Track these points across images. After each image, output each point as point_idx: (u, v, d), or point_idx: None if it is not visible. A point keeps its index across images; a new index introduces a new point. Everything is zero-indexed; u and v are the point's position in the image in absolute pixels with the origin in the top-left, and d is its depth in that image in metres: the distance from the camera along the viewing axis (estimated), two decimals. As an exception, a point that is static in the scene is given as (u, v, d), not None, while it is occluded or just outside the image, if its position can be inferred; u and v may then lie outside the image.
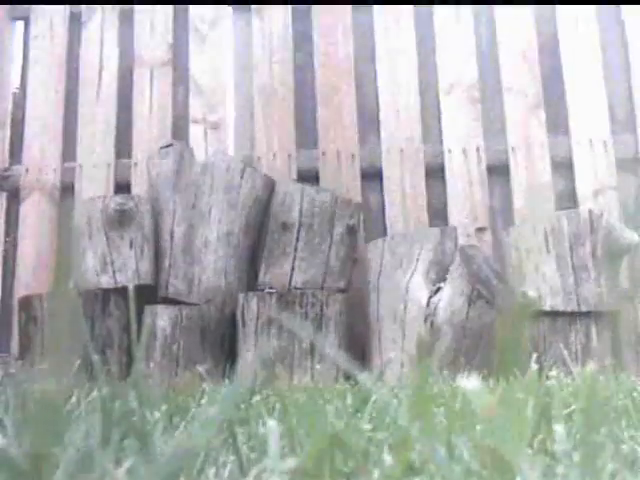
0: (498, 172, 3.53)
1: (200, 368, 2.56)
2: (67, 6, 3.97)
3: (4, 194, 3.79)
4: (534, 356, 2.60)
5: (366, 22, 3.79)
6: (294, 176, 3.58)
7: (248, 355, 2.78)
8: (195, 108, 3.75)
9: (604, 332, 2.79)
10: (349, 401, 1.30)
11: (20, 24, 4.07)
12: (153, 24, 3.89)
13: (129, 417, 0.85)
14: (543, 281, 2.82)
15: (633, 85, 3.58)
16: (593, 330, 2.77)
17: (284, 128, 3.67)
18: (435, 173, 3.55)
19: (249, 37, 3.84)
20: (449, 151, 3.56)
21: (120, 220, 3.07)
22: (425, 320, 2.78)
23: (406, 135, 3.60)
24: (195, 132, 3.73)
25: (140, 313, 2.89)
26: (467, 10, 3.72)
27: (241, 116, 3.78)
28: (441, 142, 3.59)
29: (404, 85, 3.66)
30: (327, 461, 0.63)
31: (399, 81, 3.67)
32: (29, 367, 2.79)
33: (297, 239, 3.07)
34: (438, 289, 2.82)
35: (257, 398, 1.36)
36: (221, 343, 2.92)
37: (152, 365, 2.78)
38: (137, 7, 3.92)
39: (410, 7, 3.76)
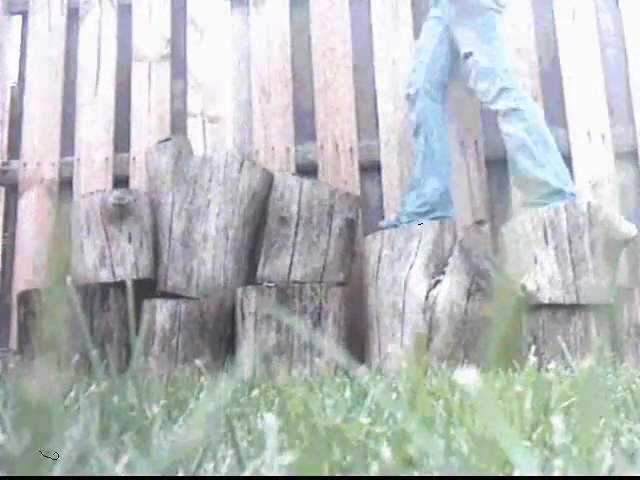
0: (497, 165, 3.53)
1: (199, 362, 2.57)
2: (65, 0, 3.96)
3: (2, 189, 3.79)
4: (533, 349, 2.60)
5: (364, 14, 3.78)
6: (292, 169, 3.58)
7: (247, 349, 2.78)
8: (193, 102, 3.75)
9: (603, 325, 2.80)
10: (347, 394, 1.30)
11: (18, 18, 4.07)
12: (151, 18, 3.89)
13: (128, 411, 0.85)
14: (542, 274, 2.82)
15: (631, 78, 3.58)
16: (592, 323, 2.77)
17: (282, 121, 3.66)
18: (434, 166, 3.55)
19: (247, 31, 3.83)
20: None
21: (119, 214, 3.07)
22: (424, 313, 2.78)
23: (404, 128, 3.60)
24: (193, 126, 3.73)
25: (139, 307, 2.89)
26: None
27: (239, 110, 3.77)
28: (440, 135, 3.58)
29: (402, 78, 3.66)
30: (325, 455, 0.63)
31: (397, 74, 3.67)
32: (28, 362, 2.79)
33: (296, 233, 3.07)
34: (437, 282, 2.82)
35: (256, 392, 1.36)
36: (220, 337, 2.93)
37: (151, 359, 2.78)
38: (135, 1, 3.91)
39: (408, -1, 3.76)
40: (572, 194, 3.05)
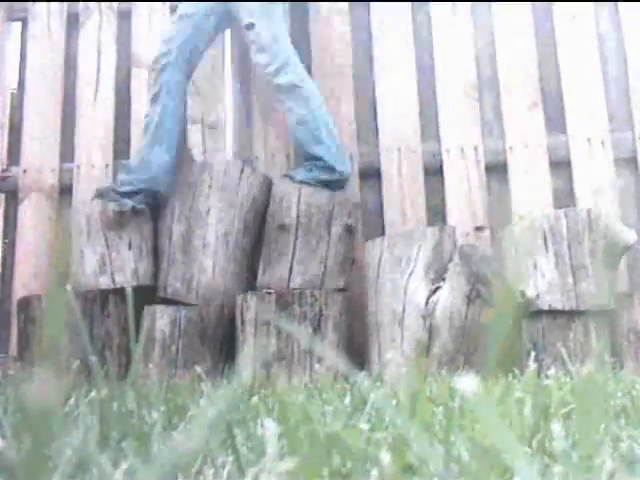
0: (496, 171, 3.53)
1: (199, 368, 2.56)
2: (65, 7, 3.97)
3: (2, 195, 3.78)
4: (532, 355, 2.60)
5: (364, 21, 3.78)
6: (293, 176, 3.58)
7: (247, 355, 2.78)
8: (193, 108, 3.75)
9: (603, 331, 2.80)
10: (347, 401, 1.30)
11: (17, 25, 4.07)
12: (151, 24, 3.89)
13: (128, 418, 0.85)
14: (541, 280, 2.82)
15: (631, 83, 3.58)
16: (592, 329, 2.77)
17: (282, 128, 3.66)
18: (433, 172, 3.55)
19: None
20: (447, 150, 3.56)
21: (119, 221, 3.07)
22: (424, 319, 2.78)
23: (404, 134, 3.60)
24: (193, 132, 3.73)
25: (139, 314, 2.89)
26: (465, 9, 3.72)
27: (239, 116, 3.78)
28: (439, 141, 3.58)
29: (402, 84, 3.66)
30: (325, 461, 0.63)
31: (397, 80, 3.67)
32: (28, 368, 2.79)
33: (295, 240, 3.07)
34: (437, 288, 2.82)
35: (255, 398, 1.36)
36: (220, 343, 2.92)
37: (151, 366, 2.78)
38: (135, 7, 3.92)
39: (407, 5, 3.76)
40: (341, 173, 3.23)
